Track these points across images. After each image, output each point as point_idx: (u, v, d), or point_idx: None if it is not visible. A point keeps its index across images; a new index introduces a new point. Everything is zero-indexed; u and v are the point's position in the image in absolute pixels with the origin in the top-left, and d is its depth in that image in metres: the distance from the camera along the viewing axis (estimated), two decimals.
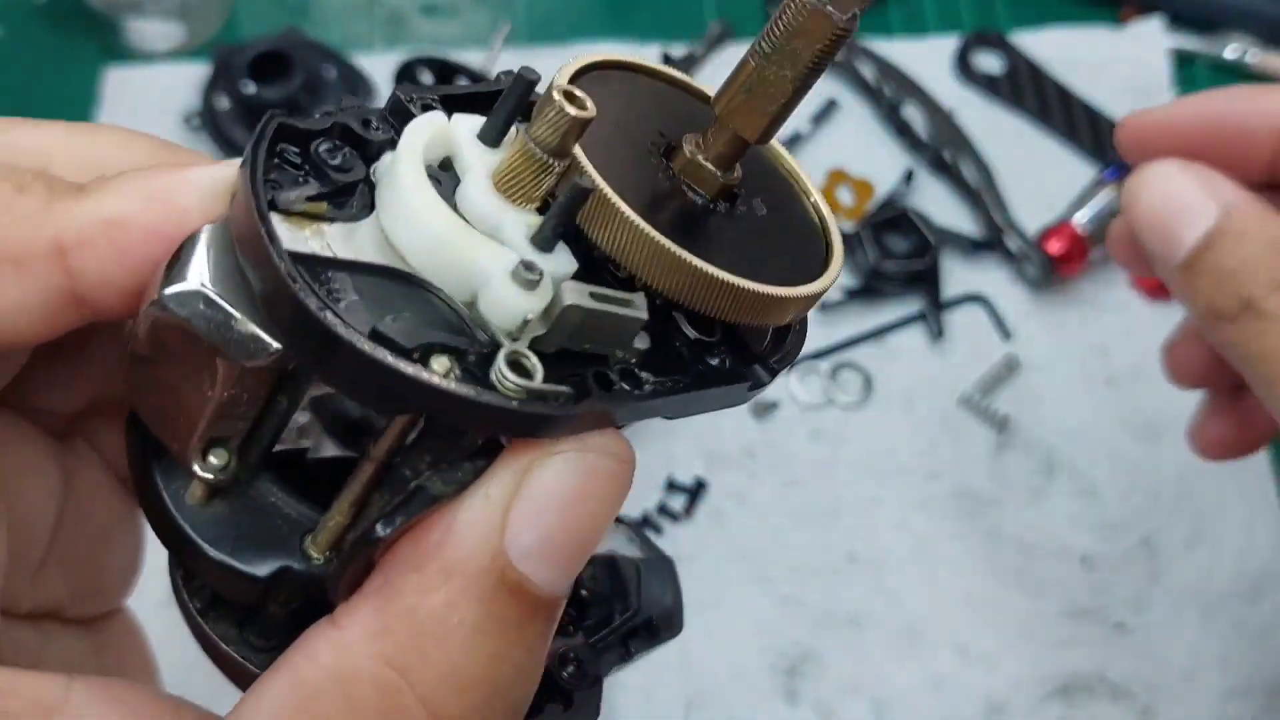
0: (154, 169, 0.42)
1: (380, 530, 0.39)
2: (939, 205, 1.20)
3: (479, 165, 0.40)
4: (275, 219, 0.38)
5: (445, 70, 1.12)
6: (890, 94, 1.23)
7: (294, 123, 0.40)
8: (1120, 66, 1.24)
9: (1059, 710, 0.97)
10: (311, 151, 0.40)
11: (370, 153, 0.41)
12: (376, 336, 0.36)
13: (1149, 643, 1.01)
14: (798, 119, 1.23)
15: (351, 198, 0.40)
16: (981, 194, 1.18)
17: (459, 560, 0.38)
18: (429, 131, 0.40)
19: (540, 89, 0.40)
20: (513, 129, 0.41)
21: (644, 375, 0.41)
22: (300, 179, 0.40)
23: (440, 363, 0.37)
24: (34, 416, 0.49)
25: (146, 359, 0.40)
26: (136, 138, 0.45)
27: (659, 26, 1.29)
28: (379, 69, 1.21)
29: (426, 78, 1.13)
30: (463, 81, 1.12)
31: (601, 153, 0.41)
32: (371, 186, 0.41)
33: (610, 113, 0.42)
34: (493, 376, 0.37)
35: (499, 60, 1.15)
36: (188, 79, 1.22)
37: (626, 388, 0.40)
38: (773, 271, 0.42)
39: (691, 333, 0.43)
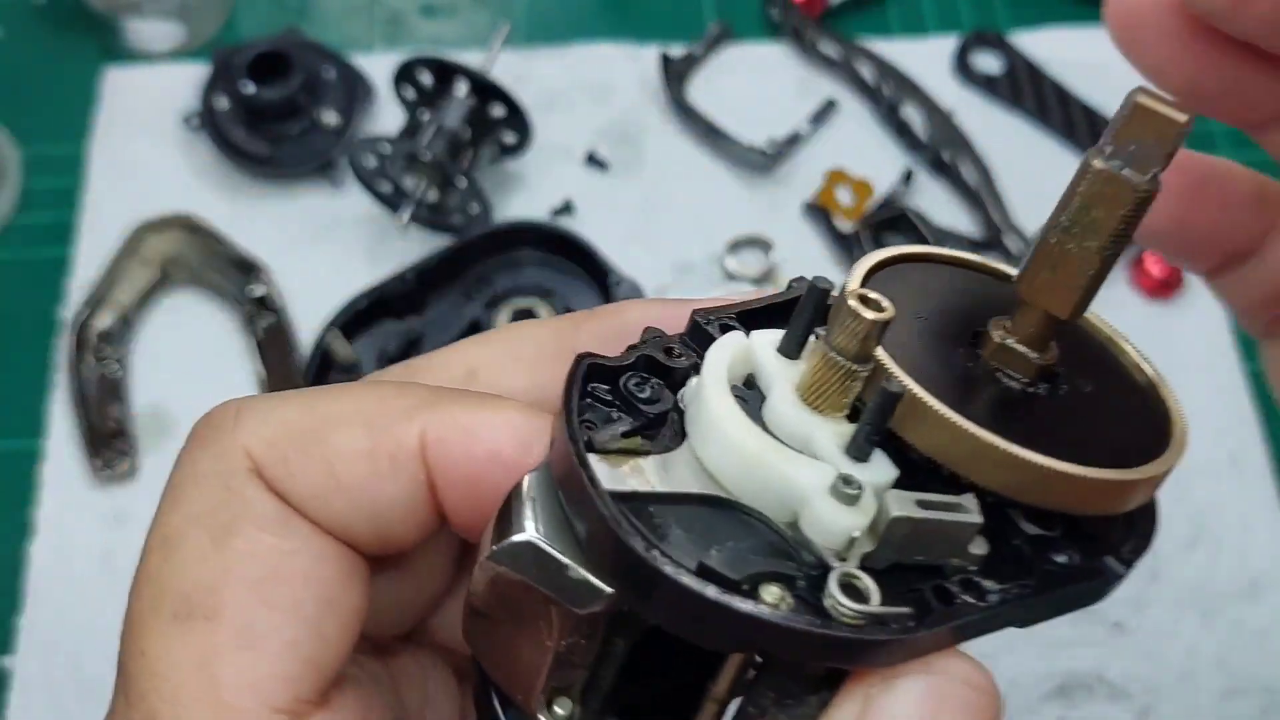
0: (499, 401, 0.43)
1: None
2: (938, 205, 1.20)
3: (782, 379, 0.40)
4: (594, 460, 0.38)
5: (444, 71, 1.12)
6: (889, 94, 1.23)
7: (603, 361, 0.41)
8: (1120, 66, 1.24)
9: (1057, 710, 0.97)
10: (621, 387, 0.41)
11: (676, 380, 0.42)
12: (705, 572, 0.35)
13: (1148, 642, 1.01)
14: (796, 118, 1.23)
15: (663, 428, 0.41)
16: (980, 194, 1.18)
17: None
18: (731, 352, 0.41)
19: (835, 293, 0.40)
20: (812, 338, 0.41)
21: (987, 584, 0.39)
22: (612, 415, 0.40)
23: (771, 593, 0.36)
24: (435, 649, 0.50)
25: (484, 613, 0.41)
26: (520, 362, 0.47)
27: (658, 27, 1.29)
28: (378, 69, 1.22)
29: (425, 78, 1.13)
30: (464, 85, 1.12)
31: (906, 350, 0.40)
32: (680, 414, 0.41)
33: (910, 306, 0.42)
34: (826, 603, 0.36)
35: (498, 61, 1.15)
36: (187, 79, 1.22)
37: (970, 600, 0.38)
38: (1110, 452, 0.39)
39: (1031, 529, 0.40)
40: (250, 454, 0.41)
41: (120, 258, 1.12)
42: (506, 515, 0.39)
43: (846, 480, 0.37)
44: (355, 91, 1.19)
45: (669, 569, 0.35)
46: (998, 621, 0.39)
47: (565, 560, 0.38)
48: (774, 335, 0.41)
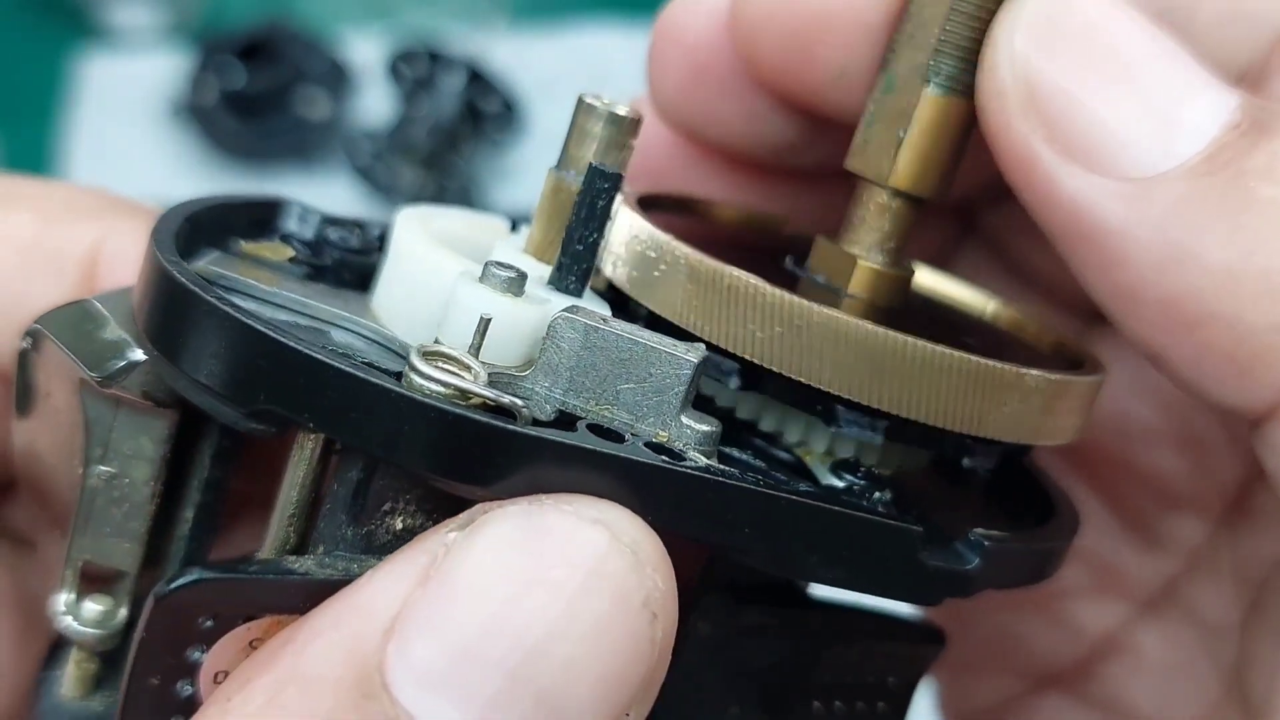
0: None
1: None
2: None
3: (510, 244, 0.33)
4: (212, 258, 0.31)
5: (435, 59, 1.10)
6: None
7: (306, 206, 0.34)
8: None
9: None
10: (320, 236, 0.34)
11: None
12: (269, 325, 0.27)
13: None
14: None
15: (335, 275, 0.33)
16: None
17: (307, 670, 0.25)
18: (435, 219, 0.33)
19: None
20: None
21: (697, 454, 0.28)
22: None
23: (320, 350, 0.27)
24: None
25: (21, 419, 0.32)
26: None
27: (654, 3, 1.26)
28: (367, 54, 1.19)
29: (422, 69, 1.11)
30: (459, 74, 1.10)
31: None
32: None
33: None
34: (403, 382, 0.26)
35: (493, 46, 1.13)
36: (169, 68, 1.19)
37: (659, 456, 0.27)
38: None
39: (830, 479, 0.31)
40: None
41: None
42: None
43: (503, 265, 0.28)
44: (343, 80, 1.17)
45: (226, 308, 0.27)
46: (696, 507, 0.27)
47: (110, 318, 0.30)
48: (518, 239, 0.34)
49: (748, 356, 0.29)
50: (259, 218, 0.34)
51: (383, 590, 0.25)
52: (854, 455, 0.31)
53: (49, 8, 1.24)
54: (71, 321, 0.30)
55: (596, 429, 0.27)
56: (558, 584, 0.25)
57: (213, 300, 0.27)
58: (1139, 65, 0.29)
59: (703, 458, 0.28)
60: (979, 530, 0.30)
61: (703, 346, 0.28)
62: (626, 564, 0.25)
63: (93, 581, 0.30)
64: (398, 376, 0.26)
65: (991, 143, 0.31)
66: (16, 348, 0.31)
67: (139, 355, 0.29)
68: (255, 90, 1.13)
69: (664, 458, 0.27)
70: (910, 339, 0.29)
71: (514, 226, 0.35)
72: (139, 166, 1.16)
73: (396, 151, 1.10)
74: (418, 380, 0.26)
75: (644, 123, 0.33)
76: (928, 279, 0.39)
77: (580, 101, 0.31)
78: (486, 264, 0.28)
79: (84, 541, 0.29)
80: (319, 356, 0.26)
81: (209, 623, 0.28)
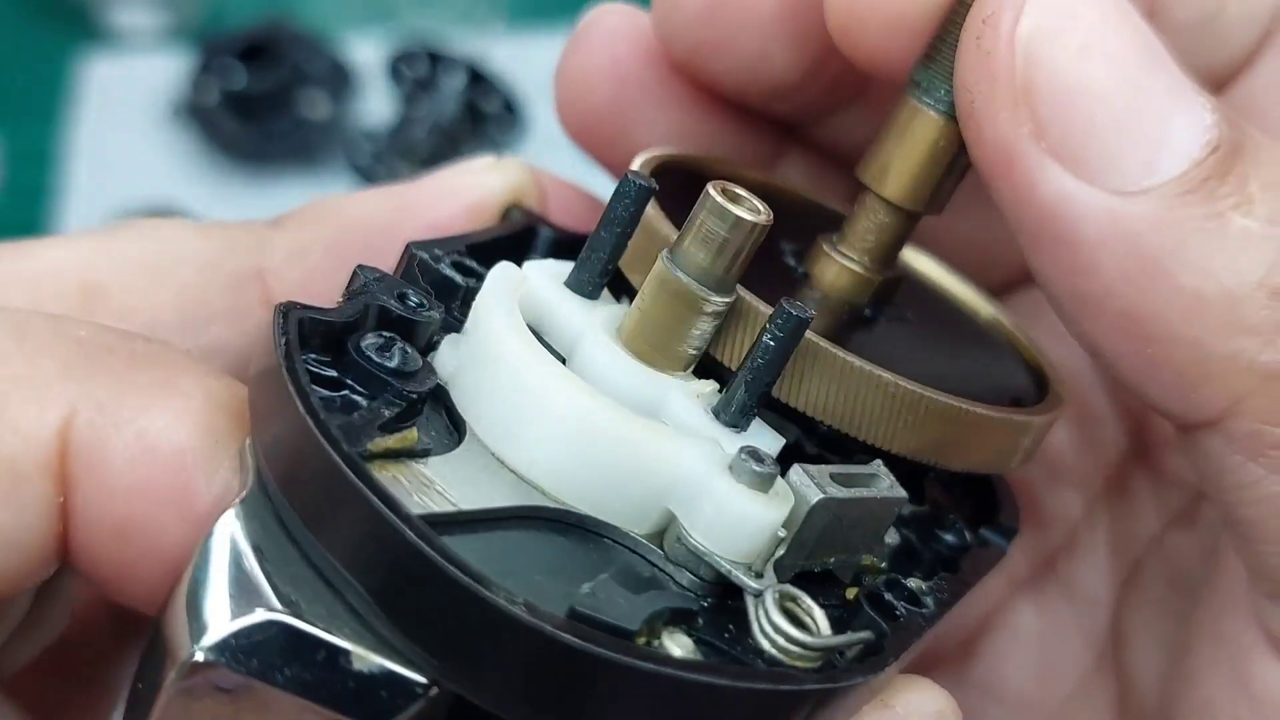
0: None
1: None
2: None
3: (595, 325, 0.29)
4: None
5: (435, 60, 1.10)
6: None
7: (317, 314, 0.28)
8: None
9: None
10: (354, 352, 0.28)
11: (420, 340, 0.29)
12: (580, 620, 0.24)
13: None
14: None
15: (416, 417, 0.28)
16: None
17: None
18: (512, 282, 0.29)
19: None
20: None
21: (912, 584, 0.30)
22: (342, 401, 0.27)
23: (679, 642, 0.26)
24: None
25: None
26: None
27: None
28: (367, 55, 1.19)
29: (422, 69, 1.11)
30: (459, 75, 1.10)
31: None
32: (442, 393, 0.29)
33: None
34: (763, 643, 0.26)
35: (494, 46, 1.12)
36: (170, 69, 1.19)
37: (911, 608, 0.29)
38: (991, 395, 0.33)
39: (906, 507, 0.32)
40: None
41: None
42: (204, 581, 0.25)
43: (753, 454, 0.26)
44: (344, 80, 1.17)
45: (544, 624, 0.23)
46: (934, 630, 0.30)
47: (342, 643, 0.24)
48: (554, 267, 0.30)
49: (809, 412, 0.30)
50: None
51: None
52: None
53: (50, 9, 1.24)
54: (288, 652, 0.24)
55: (873, 600, 0.29)
56: None
57: (571, 643, 0.23)
58: (1134, 75, 0.29)
59: (917, 582, 0.30)
60: (1001, 521, 0.34)
61: (882, 465, 0.30)
62: None
63: None
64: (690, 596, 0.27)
65: (969, 128, 0.30)
66: None
67: (425, 682, 0.24)
68: (256, 91, 1.13)
69: (924, 610, 0.30)
70: (905, 383, 0.30)
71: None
72: (140, 167, 1.16)
73: (397, 152, 1.10)
74: (782, 642, 0.26)
75: (626, 30, 0.35)
76: (933, 271, 0.40)
77: (707, 197, 0.28)
78: (739, 460, 0.26)
79: None
80: (705, 680, 0.24)
81: None
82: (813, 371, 0.29)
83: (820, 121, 0.40)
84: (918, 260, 0.39)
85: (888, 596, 0.29)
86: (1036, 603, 0.41)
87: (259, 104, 1.13)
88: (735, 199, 0.28)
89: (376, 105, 1.18)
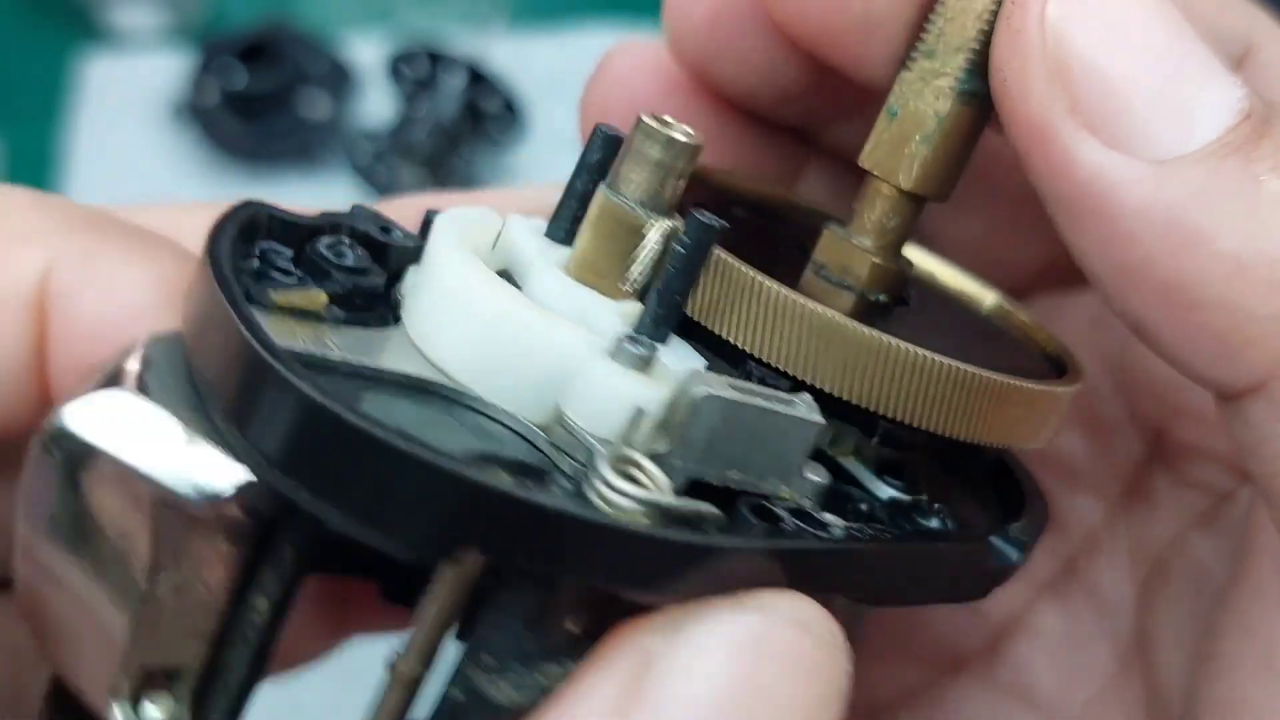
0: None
1: None
2: None
3: (549, 260, 0.30)
4: (255, 313, 0.27)
5: (436, 60, 1.10)
6: None
7: (283, 214, 0.30)
8: None
9: None
10: (311, 252, 0.30)
11: (393, 263, 0.31)
12: (411, 441, 0.25)
13: None
14: None
15: (367, 314, 0.30)
16: None
17: None
18: (475, 225, 0.31)
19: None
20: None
21: (828, 517, 0.29)
22: (264, 268, 0.30)
23: (508, 482, 0.26)
24: None
25: (39, 548, 0.27)
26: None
27: (654, 3, 1.26)
28: (367, 55, 1.19)
29: (422, 69, 1.11)
30: (459, 75, 1.10)
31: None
32: (395, 305, 0.31)
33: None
34: (594, 498, 0.25)
35: (494, 47, 1.12)
36: (173, 70, 1.19)
37: (805, 526, 0.28)
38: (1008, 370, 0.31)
39: (884, 490, 0.31)
40: None
41: None
42: (94, 379, 0.28)
43: (634, 339, 0.28)
44: (344, 80, 1.17)
45: (374, 429, 0.24)
46: (841, 573, 0.28)
47: (174, 419, 0.26)
48: (537, 222, 0.32)
49: (786, 368, 0.30)
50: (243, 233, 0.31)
51: (592, 710, 0.24)
52: (886, 456, 0.32)
53: (50, 9, 1.23)
54: (126, 425, 0.26)
55: (759, 511, 0.28)
56: (771, 689, 0.24)
57: (400, 446, 0.24)
58: (1165, 47, 0.29)
59: (834, 517, 0.29)
60: (1017, 526, 0.32)
61: (810, 398, 0.29)
62: (830, 659, 0.26)
63: (149, 682, 0.27)
64: (572, 482, 0.27)
65: (1004, 106, 0.31)
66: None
67: (245, 478, 0.26)
68: (256, 91, 1.12)
69: (822, 533, 0.28)
70: (929, 354, 0.29)
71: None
72: (140, 167, 1.15)
73: (397, 152, 1.09)
74: (611, 495, 0.25)
75: (645, 63, 0.35)
76: (928, 264, 0.39)
77: (639, 122, 0.30)
78: (619, 342, 0.28)
79: (145, 646, 0.26)
80: (541, 501, 0.25)
81: None
82: (749, 300, 0.29)
83: (837, 127, 0.40)
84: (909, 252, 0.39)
85: (779, 511, 0.28)
86: (1059, 606, 0.41)
87: (259, 104, 1.13)
88: (667, 124, 0.30)
89: (376, 105, 1.18)
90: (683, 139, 0.30)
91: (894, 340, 0.29)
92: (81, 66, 1.20)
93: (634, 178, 0.30)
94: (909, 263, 0.35)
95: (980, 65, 0.31)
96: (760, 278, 0.29)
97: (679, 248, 0.29)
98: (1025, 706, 0.41)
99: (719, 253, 0.30)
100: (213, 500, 0.25)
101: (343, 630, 0.42)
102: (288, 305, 0.28)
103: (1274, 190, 0.28)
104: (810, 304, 0.29)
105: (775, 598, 0.26)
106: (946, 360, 0.29)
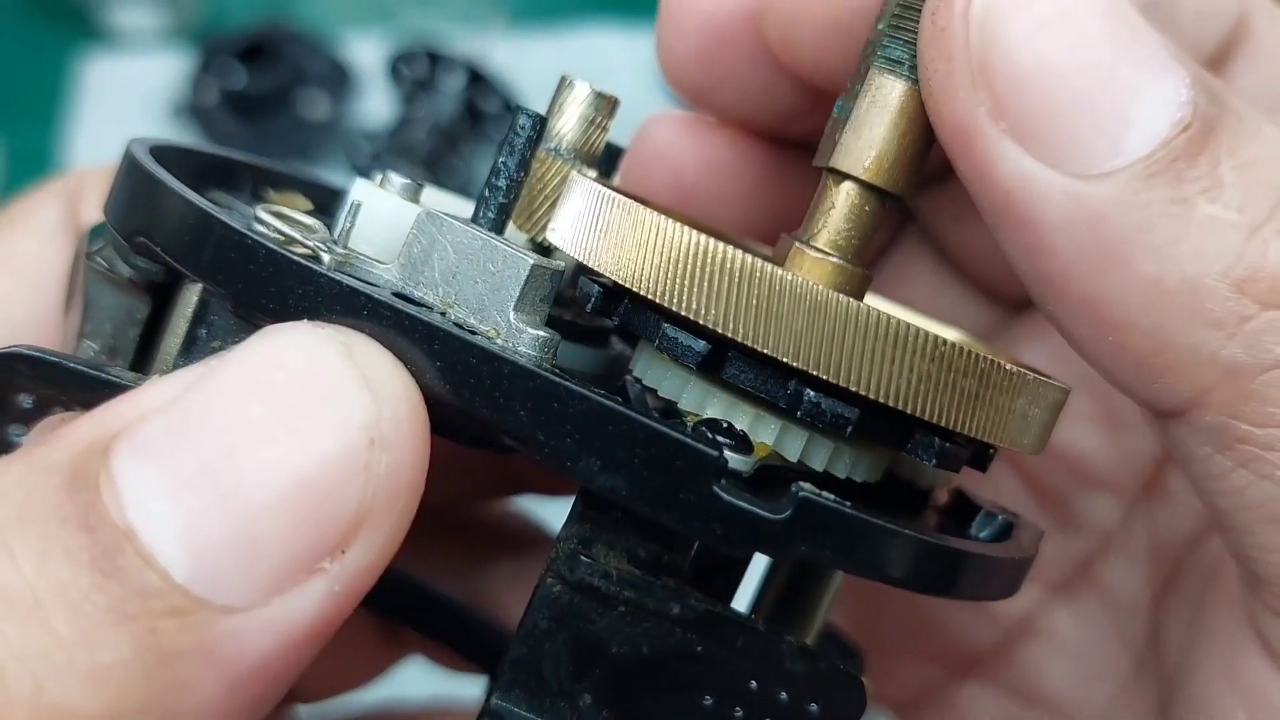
0: None
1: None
2: None
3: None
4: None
5: (435, 60, 1.10)
6: None
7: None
8: None
9: None
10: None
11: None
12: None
13: None
14: None
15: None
16: None
17: (53, 449, 0.27)
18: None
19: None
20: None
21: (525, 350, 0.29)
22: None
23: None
24: None
25: None
26: None
27: (653, 3, 1.26)
28: (367, 55, 1.19)
29: (422, 69, 1.11)
30: (459, 75, 1.10)
31: None
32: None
33: None
34: (256, 226, 0.30)
35: (493, 48, 1.12)
36: (173, 71, 1.19)
37: (425, 312, 0.29)
38: None
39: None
40: None
41: None
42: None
43: (414, 182, 0.33)
44: (344, 81, 1.17)
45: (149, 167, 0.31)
46: (485, 381, 0.28)
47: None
48: (457, 203, 0.36)
49: (709, 324, 0.28)
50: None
51: (152, 393, 0.27)
52: (767, 440, 0.30)
53: (51, 9, 1.24)
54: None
55: (401, 296, 0.29)
56: (274, 385, 0.26)
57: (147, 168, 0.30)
58: (1100, 49, 0.27)
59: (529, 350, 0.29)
60: (806, 484, 0.27)
61: (560, 263, 0.30)
62: (350, 382, 0.26)
63: None
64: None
65: (929, 106, 0.29)
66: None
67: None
68: (256, 91, 1.13)
69: (455, 328, 0.28)
70: (911, 324, 0.28)
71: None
72: None
73: (396, 152, 1.10)
74: (260, 228, 0.29)
75: (681, 133, 0.38)
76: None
77: (562, 80, 0.34)
78: (396, 178, 0.32)
79: None
80: (195, 201, 0.29)
81: (29, 403, 0.30)
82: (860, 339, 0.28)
83: None
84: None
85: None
86: (1073, 609, 0.40)
87: (259, 104, 1.13)
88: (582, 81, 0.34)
89: (376, 105, 1.18)
90: (601, 91, 0.35)
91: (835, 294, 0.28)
92: (81, 66, 1.21)
93: (558, 129, 0.34)
94: (870, 270, 0.33)
95: (905, 35, 0.30)
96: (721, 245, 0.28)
97: (503, 136, 0.33)
98: (1040, 711, 0.40)
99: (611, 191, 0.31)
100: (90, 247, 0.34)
101: (388, 657, 0.46)
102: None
103: (1204, 213, 0.27)
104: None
105: (338, 329, 0.28)
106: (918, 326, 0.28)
